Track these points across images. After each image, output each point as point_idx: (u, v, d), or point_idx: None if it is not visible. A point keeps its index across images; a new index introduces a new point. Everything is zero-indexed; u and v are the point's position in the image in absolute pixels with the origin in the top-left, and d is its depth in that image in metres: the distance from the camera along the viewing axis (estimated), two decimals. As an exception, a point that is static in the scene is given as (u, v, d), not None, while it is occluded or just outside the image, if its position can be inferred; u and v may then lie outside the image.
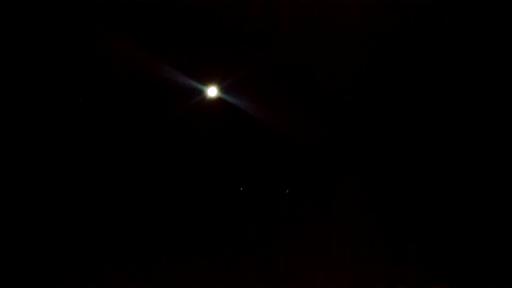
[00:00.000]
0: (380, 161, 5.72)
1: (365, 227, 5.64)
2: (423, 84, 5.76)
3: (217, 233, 5.67)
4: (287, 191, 5.72)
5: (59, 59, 5.75)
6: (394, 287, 5.45)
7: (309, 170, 5.77)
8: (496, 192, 5.63)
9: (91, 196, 5.68)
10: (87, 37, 5.74)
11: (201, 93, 5.81)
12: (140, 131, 5.80)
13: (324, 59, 5.80)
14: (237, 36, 5.80)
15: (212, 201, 5.76)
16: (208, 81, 5.81)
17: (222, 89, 5.82)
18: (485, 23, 5.70)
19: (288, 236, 5.66)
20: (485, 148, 5.67)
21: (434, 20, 5.73)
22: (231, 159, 5.82)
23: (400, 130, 5.75)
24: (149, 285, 5.52)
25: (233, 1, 5.75)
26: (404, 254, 5.54)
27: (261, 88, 5.83)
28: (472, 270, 5.45)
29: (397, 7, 5.72)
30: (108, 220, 5.65)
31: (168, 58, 5.76)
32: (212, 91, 5.83)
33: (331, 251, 5.58)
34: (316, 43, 5.79)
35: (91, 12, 5.73)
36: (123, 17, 5.76)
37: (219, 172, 5.80)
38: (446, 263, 5.50)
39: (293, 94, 5.84)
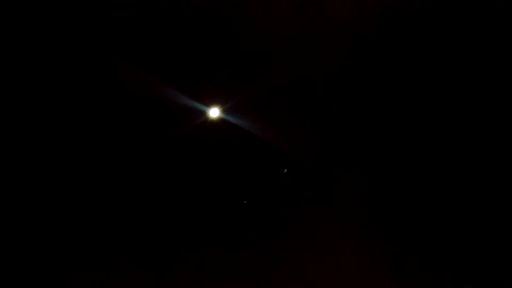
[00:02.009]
0: (377, 181, 6.04)
1: (363, 234, 6.00)
2: (419, 99, 6.03)
3: (220, 246, 5.97)
4: (285, 170, 6.05)
5: (64, 83, 5.82)
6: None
7: (309, 188, 6.08)
8: (495, 192, 5.91)
9: (99, 214, 5.89)
10: (92, 61, 5.79)
11: (203, 114, 5.99)
12: (144, 150, 5.98)
13: (323, 80, 6.00)
14: (238, 59, 5.94)
15: (214, 214, 6.04)
16: (210, 102, 5.98)
17: (224, 110, 6.00)
18: (483, 24, 5.89)
19: (288, 246, 6.00)
20: (479, 158, 5.98)
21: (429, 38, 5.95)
22: (233, 177, 6.07)
23: (399, 149, 6.05)
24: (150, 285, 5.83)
25: (235, 24, 5.86)
26: (401, 260, 5.91)
27: (262, 109, 6.02)
28: (472, 271, 5.80)
29: (394, 27, 5.90)
30: (116, 236, 5.88)
31: (171, 80, 5.87)
32: (214, 112, 6.01)
33: (328, 258, 5.93)
34: (315, 65, 5.97)
35: (96, 36, 5.77)
36: (127, 39, 5.82)
37: (221, 190, 6.06)
38: (445, 265, 5.85)
39: (293, 115, 6.07)
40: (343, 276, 5.80)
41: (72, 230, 5.83)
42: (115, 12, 5.73)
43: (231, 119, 6.01)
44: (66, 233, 5.82)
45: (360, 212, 6.01)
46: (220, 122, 6.03)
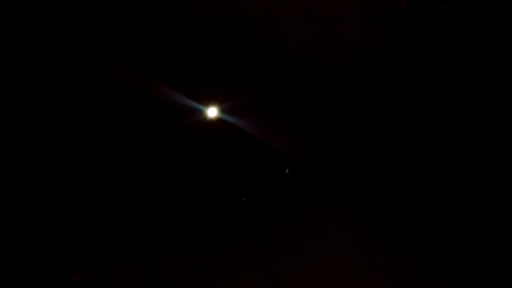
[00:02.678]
0: (376, 182, 5.99)
1: (362, 235, 5.92)
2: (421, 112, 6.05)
3: (217, 246, 5.88)
4: (287, 171, 5.97)
5: (61, 81, 5.83)
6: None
7: (307, 189, 6.02)
8: (496, 192, 5.88)
9: (95, 212, 5.82)
10: (89, 60, 5.82)
11: (201, 113, 5.98)
12: (141, 149, 5.94)
13: (323, 81, 6.02)
14: (237, 58, 5.97)
15: (211, 214, 5.96)
16: (208, 101, 5.97)
17: (222, 109, 5.99)
18: (483, 31, 5.93)
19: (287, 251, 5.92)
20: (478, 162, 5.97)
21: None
22: (231, 178, 6.02)
23: (399, 156, 6.02)
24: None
25: (234, 23, 5.90)
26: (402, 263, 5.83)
27: (260, 109, 6.01)
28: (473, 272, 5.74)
29: (395, 31, 5.95)
30: (112, 235, 5.79)
31: (169, 79, 5.88)
32: (212, 112, 6.00)
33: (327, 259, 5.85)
34: (316, 66, 5.99)
35: (93, 34, 5.81)
36: (125, 39, 5.86)
37: (219, 190, 5.99)
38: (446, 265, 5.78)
39: (292, 115, 6.05)
40: (342, 277, 5.71)
41: (66, 229, 5.74)
42: (113, 10, 5.78)
43: (229, 118, 5.99)
44: (61, 231, 5.74)
45: (359, 214, 5.95)
46: (218, 121, 6.00)
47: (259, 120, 6.01)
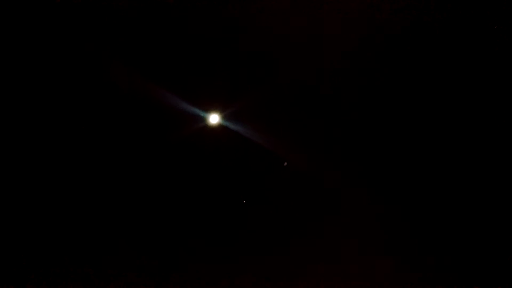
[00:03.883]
0: (379, 186, 5.96)
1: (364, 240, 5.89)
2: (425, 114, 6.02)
3: (216, 253, 5.88)
4: (285, 163, 5.95)
5: (64, 87, 5.86)
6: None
7: (308, 195, 5.99)
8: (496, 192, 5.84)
9: (96, 218, 5.83)
10: (92, 66, 5.84)
11: (203, 120, 5.97)
12: (143, 156, 5.94)
13: (324, 87, 5.99)
14: (239, 65, 5.97)
15: (212, 220, 5.96)
16: (210, 108, 5.97)
17: (224, 116, 5.98)
18: (485, 24, 5.89)
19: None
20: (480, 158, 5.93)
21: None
22: (232, 184, 6.01)
23: (403, 160, 5.99)
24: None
25: (236, 30, 5.90)
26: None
27: (262, 116, 6.01)
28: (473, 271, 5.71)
29: (393, 39, 5.94)
30: (113, 241, 5.80)
31: (171, 86, 5.89)
32: (214, 118, 5.99)
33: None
34: (317, 71, 5.98)
35: (97, 42, 5.83)
36: (128, 45, 5.88)
37: (220, 196, 5.98)
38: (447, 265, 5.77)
39: (293, 121, 6.04)
40: (344, 277, 5.68)
41: (66, 235, 5.76)
42: (115, 16, 5.80)
43: (231, 125, 5.98)
44: (59, 237, 5.76)
45: (360, 215, 5.92)
46: (219, 128, 6.00)
47: (260, 126, 6.00)
